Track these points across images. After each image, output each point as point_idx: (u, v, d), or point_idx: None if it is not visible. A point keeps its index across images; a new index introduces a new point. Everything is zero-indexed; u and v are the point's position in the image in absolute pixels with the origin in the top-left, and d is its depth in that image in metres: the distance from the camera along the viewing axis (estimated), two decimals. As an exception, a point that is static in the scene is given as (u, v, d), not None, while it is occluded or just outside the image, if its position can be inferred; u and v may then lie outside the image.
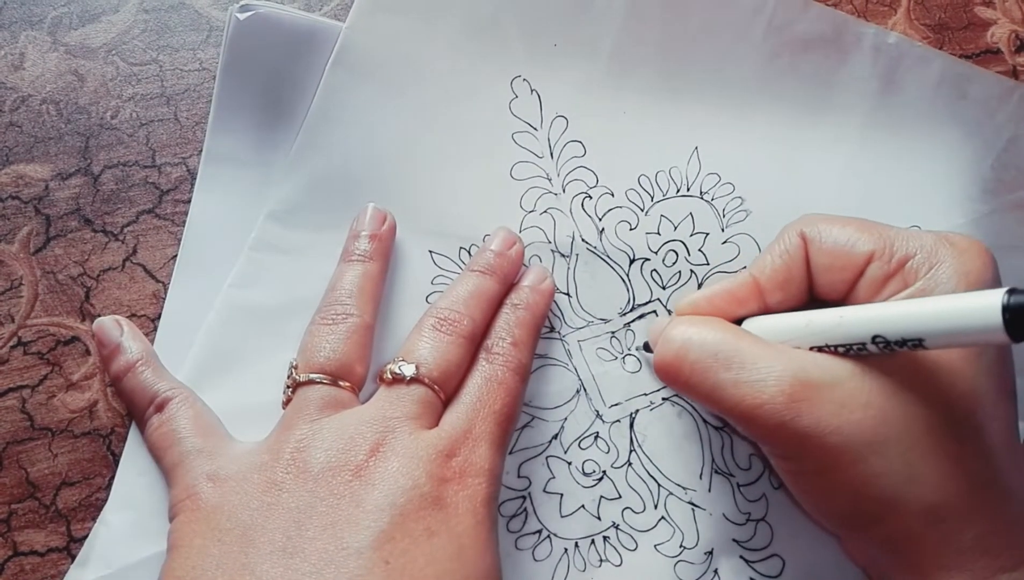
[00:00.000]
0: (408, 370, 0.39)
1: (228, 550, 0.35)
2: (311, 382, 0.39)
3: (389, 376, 0.39)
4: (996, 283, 0.36)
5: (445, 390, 0.40)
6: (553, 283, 0.44)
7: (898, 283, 0.37)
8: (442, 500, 0.36)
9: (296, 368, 0.40)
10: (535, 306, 0.43)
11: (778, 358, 0.36)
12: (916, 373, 0.35)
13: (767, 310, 0.40)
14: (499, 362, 0.41)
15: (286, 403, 0.40)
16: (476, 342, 0.41)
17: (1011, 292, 0.29)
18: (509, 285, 0.44)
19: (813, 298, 0.40)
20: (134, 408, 0.42)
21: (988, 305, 0.30)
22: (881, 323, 0.34)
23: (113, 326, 0.43)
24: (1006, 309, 0.29)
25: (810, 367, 0.35)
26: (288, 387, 0.40)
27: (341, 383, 0.40)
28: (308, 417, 0.38)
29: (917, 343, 0.33)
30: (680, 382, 0.38)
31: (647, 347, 0.44)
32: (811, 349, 0.36)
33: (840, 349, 0.36)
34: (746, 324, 0.40)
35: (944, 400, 0.35)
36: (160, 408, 0.41)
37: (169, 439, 0.40)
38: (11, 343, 0.44)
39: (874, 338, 0.34)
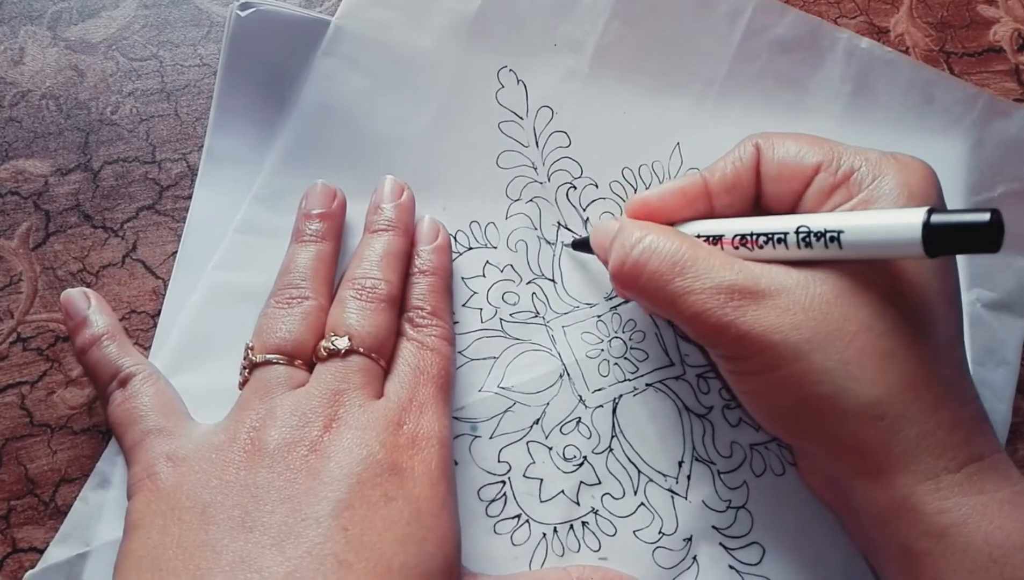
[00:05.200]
0: (341, 343, 0.38)
1: (188, 528, 0.34)
2: (267, 363, 0.39)
3: (324, 353, 0.39)
4: (938, 198, 0.37)
5: (383, 356, 0.39)
6: (447, 234, 0.44)
7: (843, 194, 0.37)
8: (398, 466, 0.36)
9: (252, 349, 0.39)
10: (439, 268, 0.42)
11: (729, 267, 0.36)
12: (861, 281, 0.35)
13: (713, 213, 0.40)
14: (426, 332, 0.40)
15: (242, 384, 0.39)
16: (397, 302, 0.41)
17: (931, 211, 0.32)
18: (412, 234, 0.43)
19: (761, 210, 0.40)
20: (97, 382, 0.41)
21: (910, 220, 0.32)
22: (806, 218, 0.35)
23: (81, 298, 0.42)
24: (926, 226, 0.31)
25: (759, 276, 0.36)
26: (244, 368, 0.39)
27: (297, 363, 0.39)
28: (264, 397, 0.38)
29: (836, 236, 0.34)
30: (635, 288, 0.38)
31: (578, 245, 0.44)
32: (737, 247, 0.37)
33: (761, 238, 0.36)
34: (686, 227, 0.40)
35: (887, 303, 0.35)
36: (123, 384, 0.40)
37: (131, 416, 0.39)
38: (10, 339, 0.43)
39: (798, 228, 0.35)
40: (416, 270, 0.42)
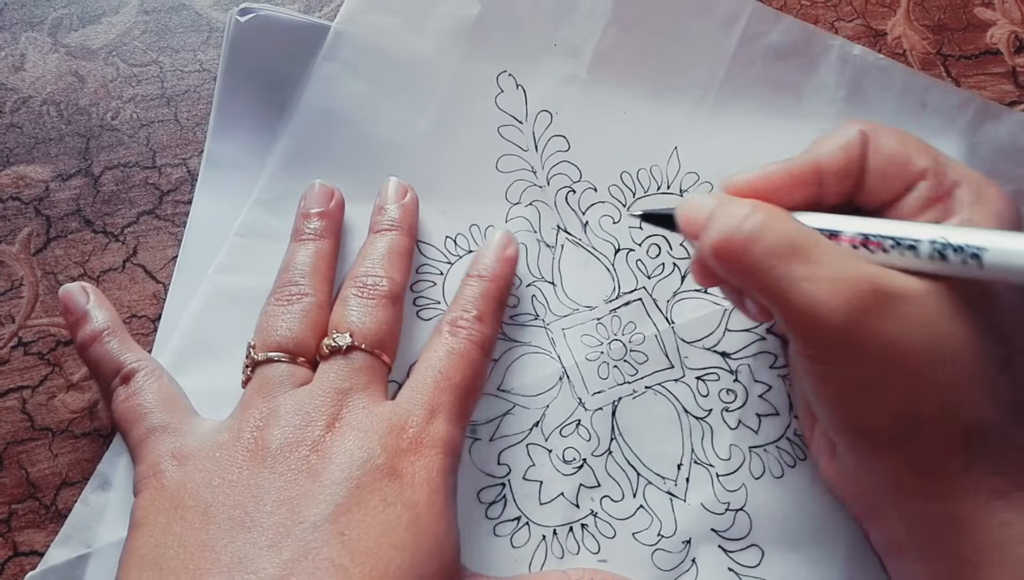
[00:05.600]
0: (343, 340, 0.38)
1: (189, 527, 0.35)
2: (269, 361, 0.39)
3: (326, 350, 0.39)
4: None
5: (387, 352, 0.39)
6: (517, 247, 0.44)
7: (940, 210, 0.35)
8: (398, 471, 0.36)
9: (254, 348, 0.39)
10: (500, 277, 0.42)
11: (857, 260, 0.33)
12: (978, 303, 0.33)
13: (819, 203, 0.37)
14: (463, 335, 0.40)
15: (245, 383, 0.39)
16: (400, 301, 0.41)
17: None
18: (415, 235, 0.43)
19: (852, 206, 0.38)
20: (100, 378, 0.41)
21: None
22: (945, 230, 0.32)
23: (80, 293, 0.42)
24: None
25: (886, 276, 0.33)
26: (247, 367, 0.39)
27: (299, 360, 0.39)
28: (267, 395, 0.38)
29: (977, 253, 0.31)
30: (741, 265, 0.34)
31: (650, 218, 0.40)
32: (857, 246, 0.34)
33: (889, 241, 0.33)
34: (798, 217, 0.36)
35: (996, 331, 0.34)
36: (126, 380, 0.40)
37: (135, 413, 0.39)
38: (12, 343, 0.43)
39: (933, 239, 0.32)
40: (475, 273, 0.42)
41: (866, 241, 0.34)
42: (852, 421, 0.36)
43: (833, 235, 0.34)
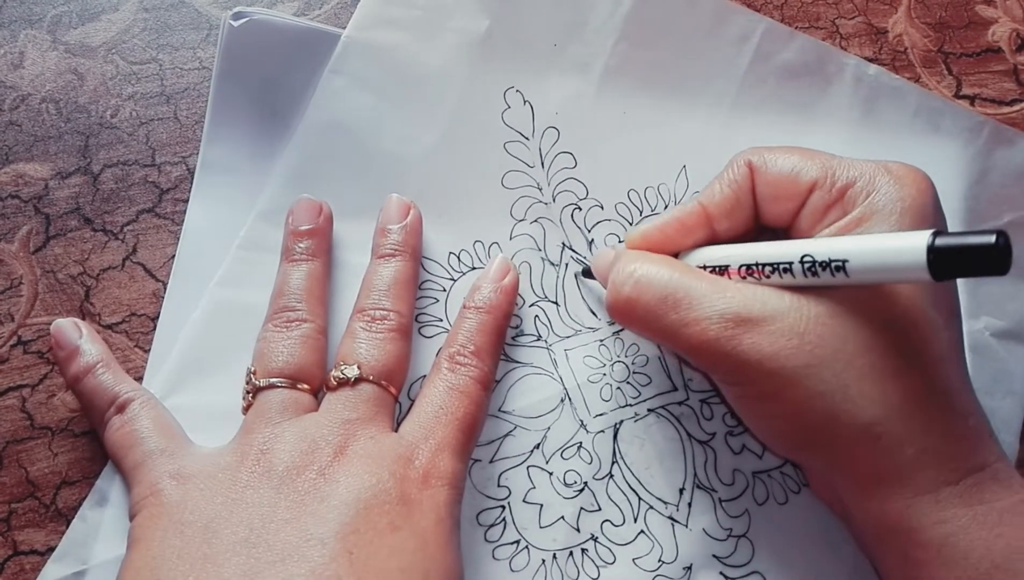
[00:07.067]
0: (351, 372, 0.39)
1: (190, 542, 0.35)
2: (271, 386, 0.39)
3: (334, 382, 0.39)
4: (935, 209, 0.36)
5: (394, 384, 0.40)
6: (517, 276, 0.43)
7: (838, 211, 0.37)
8: (407, 497, 0.36)
9: (254, 374, 0.39)
10: (498, 307, 0.42)
11: (722, 296, 0.36)
12: (854, 300, 0.35)
13: (715, 238, 0.39)
14: (461, 372, 0.40)
15: (246, 409, 0.39)
16: (409, 333, 0.41)
17: (936, 234, 0.31)
18: (419, 257, 0.43)
19: (760, 227, 0.40)
20: (93, 410, 0.41)
21: (915, 244, 0.31)
22: (810, 246, 0.35)
23: (72, 328, 0.42)
24: (931, 249, 0.31)
25: (751, 302, 0.35)
26: (248, 393, 0.39)
27: (300, 386, 0.39)
28: (270, 420, 0.38)
29: (841, 265, 0.33)
30: (632, 322, 0.38)
31: (587, 273, 0.44)
32: (744, 277, 0.37)
33: (767, 268, 0.36)
34: (690, 256, 0.40)
35: (882, 321, 0.35)
36: (121, 409, 0.40)
37: (131, 439, 0.39)
38: (11, 342, 0.43)
39: (802, 258, 0.35)
40: (472, 305, 0.41)
41: (750, 270, 0.37)
42: (768, 432, 0.39)
43: (723, 270, 0.38)
